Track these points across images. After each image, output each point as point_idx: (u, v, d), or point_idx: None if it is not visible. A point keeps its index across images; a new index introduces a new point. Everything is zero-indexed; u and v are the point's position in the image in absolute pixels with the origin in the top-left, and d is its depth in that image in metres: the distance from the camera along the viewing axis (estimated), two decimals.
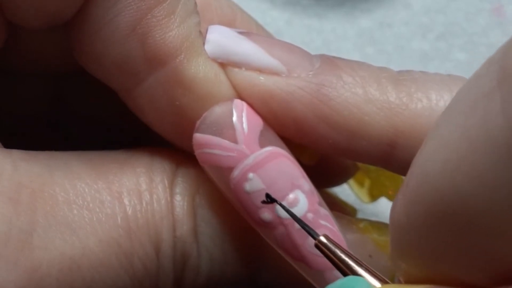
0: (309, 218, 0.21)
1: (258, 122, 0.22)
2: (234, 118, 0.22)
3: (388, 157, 0.22)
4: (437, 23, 0.48)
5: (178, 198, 0.22)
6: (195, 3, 0.22)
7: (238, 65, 0.22)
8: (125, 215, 0.21)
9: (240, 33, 0.23)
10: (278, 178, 0.21)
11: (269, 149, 0.22)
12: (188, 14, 0.22)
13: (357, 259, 0.19)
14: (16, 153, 0.21)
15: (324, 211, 0.22)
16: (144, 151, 0.23)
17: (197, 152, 0.22)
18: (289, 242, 0.21)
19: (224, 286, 0.23)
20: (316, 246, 0.20)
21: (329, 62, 0.23)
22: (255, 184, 0.21)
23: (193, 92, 0.22)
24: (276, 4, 0.48)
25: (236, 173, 0.21)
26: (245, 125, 0.22)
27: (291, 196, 0.21)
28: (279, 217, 0.21)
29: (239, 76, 0.22)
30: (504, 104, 0.12)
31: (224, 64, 0.22)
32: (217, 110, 0.22)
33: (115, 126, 0.27)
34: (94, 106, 0.27)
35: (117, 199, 0.21)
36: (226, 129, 0.21)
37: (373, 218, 0.26)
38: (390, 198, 0.33)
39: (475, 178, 0.13)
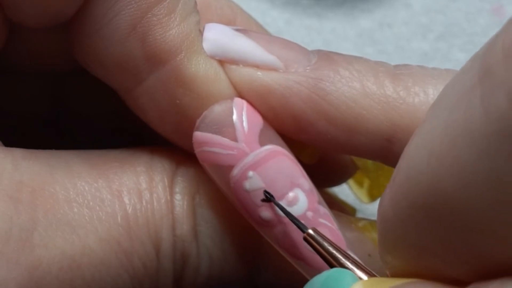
0: (309, 216, 0.21)
1: (258, 120, 0.22)
2: (234, 117, 0.22)
3: (387, 152, 0.22)
4: (437, 23, 0.48)
5: (178, 197, 0.22)
6: (195, 2, 0.22)
7: (235, 62, 0.22)
8: (125, 213, 0.21)
9: (237, 30, 0.23)
10: (278, 177, 0.21)
11: (269, 147, 0.22)
12: (188, 13, 0.22)
13: (345, 252, 0.19)
14: (17, 152, 0.21)
15: (324, 209, 0.22)
16: (144, 150, 0.23)
17: (197, 151, 0.22)
18: (288, 240, 0.21)
19: (223, 285, 0.23)
20: (305, 239, 0.20)
21: (326, 57, 0.23)
22: (254, 182, 0.21)
23: (193, 90, 0.22)
24: (276, 4, 0.48)
25: (236, 171, 0.21)
26: (245, 124, 0.22)
27: (290, 194, 0.21)
28: (278, 215, 0.21)
29: (236, 73, 0.22)
30: (484, 99, 0.12)
31: (222, 61, 0.22)
32: (217, 109, 0.22)
33: (115, 125, 0.28)
34: (94, 105, 0.27)
35: (117, 197, 0.21)
36: (226, 128, 0.21)
37: (372, 218, 0.26)
38: None
39: (456, 173, 0.13)
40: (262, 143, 0.22)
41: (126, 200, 0.21)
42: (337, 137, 0.22)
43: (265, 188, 0.21)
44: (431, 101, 0.21)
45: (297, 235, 0.21)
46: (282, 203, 0.21)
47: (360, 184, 0.34)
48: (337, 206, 0.28)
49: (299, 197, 0.21)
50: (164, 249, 0.22)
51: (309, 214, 0.21)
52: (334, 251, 0.19)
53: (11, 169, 0.20)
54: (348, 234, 0.23)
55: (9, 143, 0.22)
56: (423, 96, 0.22)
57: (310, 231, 0.20)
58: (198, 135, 0.22)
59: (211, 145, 0.21)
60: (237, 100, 0.22)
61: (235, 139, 0.21)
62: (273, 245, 0.22)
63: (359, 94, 0.22)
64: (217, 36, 0.22)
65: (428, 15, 0.48)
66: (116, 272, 0.21)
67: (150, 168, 0.22)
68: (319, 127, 0.22)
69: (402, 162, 0.15)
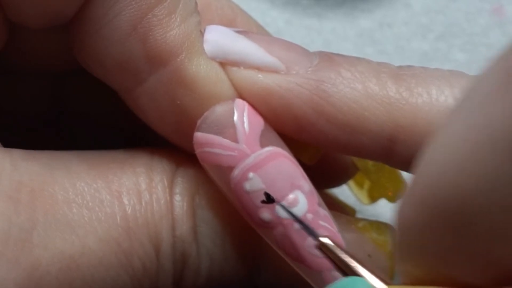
0: (309, 218, 0.21)
1: (259, 122, 0.22)
2: (235, 118, 0.22)
3: (389, 152, 0.22)
4: (437, 23, 0.48)
5: (177, 198, 0.22)
6: (196, 2, 0.22)
7: (236, 64, 0.22)
8: (125, 214, 0.21)
9: (238, 32, 0.23)
10: (278, 178, 0.21)
11: (269, 149, 0.22)
12: (189, 14, 0.22)
13: (359, 260, 0.19)
14: (16, 153, 0.21)
15: (324, 211, 0.22)
16: (144, 151, 0.23)
17: (197, 151, 0.22)
18: (288, 242, 0.21)
19: (223, 285, 0.23)
20: (318, 247, 0.20)
21: (328, 58, 0.23)
22: (255, 183, 0.21)
23: (194, 91, 0.22)
24: (276, 4, 0.48)
25: (236, 172, 0.21)
26: (246, 125, 0.22)
27: (291, 196, 0.21)
28: (278, 217, 0.21)
29: (238, 75, 0.22)
30: (508, 105, 0.12)
31: (223, 63, 0.22)
32: (218, 110, 0.22)
33: (115, 126, 0.28)
34: (94, 106, 0.27)
35: (117, 198, 0.21)
36: (227, 129, 0.21)
37: (372, 219, 0.26)
38: (389, 199, 0.33)
39: (478, 178, 0.13)
40: (263, 144, 0.22)
41: (125, 200, 0.21)
42: (339, 138, 0.22)
43: (265, 189, 0.21)
44: (435, 102, 0.21)
45: (297, 236, 0.21)
46: None
47: (360, 185, 0.34)
48: (337, 208, 0.28)
49: (299, 199, 0.21)
50: (164, 249, 0.22)
51: (309, 216, 0.21)
52: (348, 259, 0.19)
53: (10, 170, 0.20)
54: (348, 235, 0.23)
55: (9, 143, 0.22)
56: (426, 96, 0.22)
57: (323, 239, 0.19)
58: (199, 135, 0.22)
59: (212, 146, 0.21)
60: (238, 101, 0.22)
61: (236, 140, 0.21)
62: (272, 246, 0.22)
63: (361, 95, 0.22)
64: (218, 38, 0.22)
65: (428, 15, 0.48)
66: (116, 272, 0.21)
67: (149, 169, 0.22)
68: (320, 128, 0.22)
69: (421, 169, 0.15)
